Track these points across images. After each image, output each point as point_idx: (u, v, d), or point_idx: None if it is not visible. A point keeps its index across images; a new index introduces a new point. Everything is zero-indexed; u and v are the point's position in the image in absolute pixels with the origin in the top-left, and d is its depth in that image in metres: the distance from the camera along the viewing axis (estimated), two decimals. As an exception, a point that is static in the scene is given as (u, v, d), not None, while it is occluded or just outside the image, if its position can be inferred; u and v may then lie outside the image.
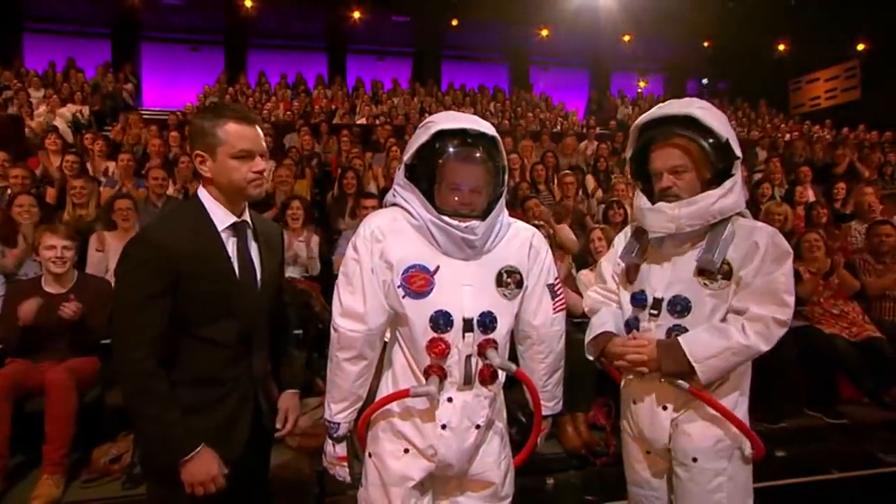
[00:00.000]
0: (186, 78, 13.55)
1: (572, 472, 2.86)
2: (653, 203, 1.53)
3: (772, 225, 4.85)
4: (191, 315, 1.39)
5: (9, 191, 4.24)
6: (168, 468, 1.40)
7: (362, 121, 9.94)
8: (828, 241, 4.13)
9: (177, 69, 14.04)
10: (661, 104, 1.57)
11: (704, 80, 16.78)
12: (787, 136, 10.53)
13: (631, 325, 1.61)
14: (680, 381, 1.45)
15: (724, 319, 1.49)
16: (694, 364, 1.42)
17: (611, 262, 1.74)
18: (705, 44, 15.56)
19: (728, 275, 1.47)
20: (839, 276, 3.73)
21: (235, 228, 1.48)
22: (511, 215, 1.56)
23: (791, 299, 1.44)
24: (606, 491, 2.64)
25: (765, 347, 1.42)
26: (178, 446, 1.37)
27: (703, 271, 1.49)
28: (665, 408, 1.53)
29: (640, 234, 1.64)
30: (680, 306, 1.50)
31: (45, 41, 13.06)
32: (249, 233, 1.52)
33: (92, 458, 2.60)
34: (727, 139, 1.47)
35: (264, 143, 1.48)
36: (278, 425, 1.62)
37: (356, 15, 13.62)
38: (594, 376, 2.97)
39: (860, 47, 12.93)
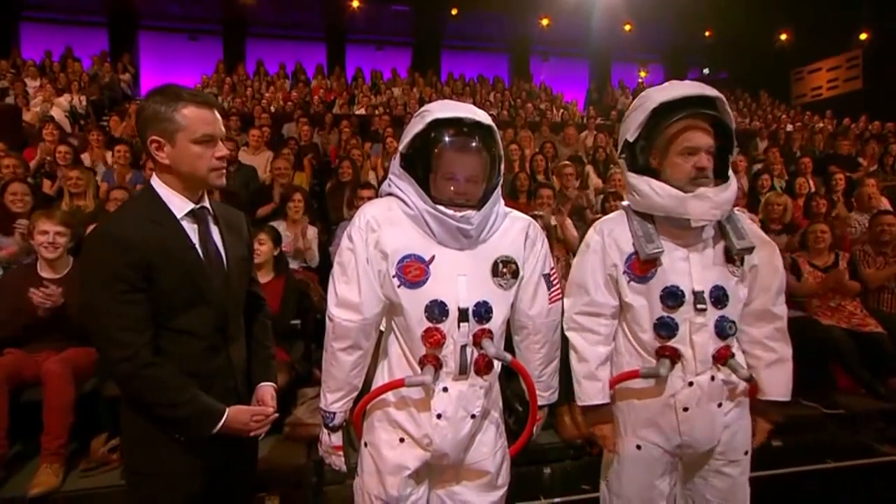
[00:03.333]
0: (185, 68, 13.48)
1: (569, 462, 2.87)
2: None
3: (771, 216, 4.82)
4: (162, 307, 1.34)
5: (3, 180, 4.22)
6: (144, 461, 1.39)
7: (361, 111, 9.89)
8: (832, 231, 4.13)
9: (175, 59, 13.98)
10: (680, 83, 1.47)
11: (705, 70, 16.69)
12: (789, 127, 10.49)
13: (669, 324, 1.46)
14: (742, 371, 1.47)
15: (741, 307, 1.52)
16: (787, 398, 1.56)
17: (599, 268, 1.55)
18: (706, 33, 15.44)
19: (742, 260, 1.49)
20: (842, 286, 3.68)
21: (195, 215, 1.42)
22: (513, 205, 1.55)
23: None
24: (603, 480, 2.65)
25: None
26: (205, 421, 1.36)
27: (728, 258, 1.48)
28: (720, 405, 1.50)
29: (646, 222, 1.50)
30: (722, 296, 1.46)
31: (42, 30, 12.98)
32: (210, 219, 1.46)
33: (91, 448, 2.61)
34: (733, 128, 1.49)
35: (223, 128, 1.43)
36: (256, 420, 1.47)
37: (355, 4, 13.51)
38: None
39: (863, 37, 12.85)
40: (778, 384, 1.54)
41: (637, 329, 1.53)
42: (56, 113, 7.68)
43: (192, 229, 1.41)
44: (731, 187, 1.47)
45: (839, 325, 3.55)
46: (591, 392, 1.56)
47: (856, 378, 3.45)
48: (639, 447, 1.55)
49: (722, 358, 1.47)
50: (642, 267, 1.49)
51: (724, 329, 1.46)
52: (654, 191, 1.45)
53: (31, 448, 2.58)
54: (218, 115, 1.40)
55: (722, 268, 1.48)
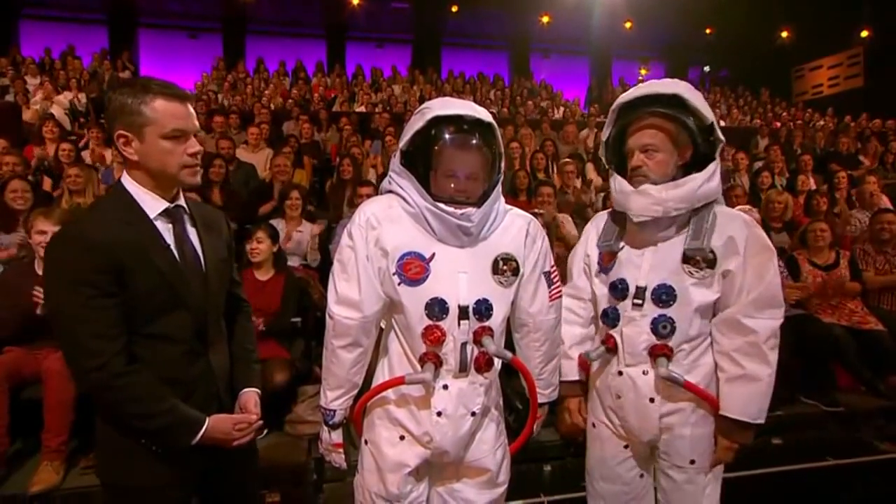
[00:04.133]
0: (185, 65, 13.45)
1: (569, 460, 2.87)
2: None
3: (772, 213, 4.81)
4: (137, 312, 1.26)
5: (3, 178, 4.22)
6: (122, 475, 1.33)
7: (361, 108, 9.89)
8: (833, 229, 4.13)
9: (175, 56, 13.94)
10: (643, 84, 1.51)
11: (706, 68, 16.67)
12: (791, 125, 10.47)
13: (609, 315, 1.54)
14: (675, 376, 1.42)
15: (704, 311, 1.45)
16: (758, 421, 1.42)
17: (580, 254, 1.68)
18: (707, 31, 15.41)
19: (712, 263, 1.43)
20: (843, 290, 3.68)
21: (170, 214, 1.34)
22: (514, 203, 1.55)
23: (781, 295, 1.44)
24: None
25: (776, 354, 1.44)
26: (183, 431, 1.30)
27: (689, 259, 1.44)
28: (652, 400, 1.49)
29: (617, 219, 1.58)
30: (665, 295, 1.44)
31: (42, 28, 12.97)
32: (186, 218, 1.39)
33: (91, 445, 2.61)
34: (712, 121, 1.44)
35: (197, 122, 1.35)
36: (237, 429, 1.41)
37: (355, 1, 13.48)
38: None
39: (864, 34, 12.81)
40: (736, 401, 1.42)
41: (598, 316, 1.62)
42: (56, 111, 7.67)
43: (166, 229, 1.34)
44: (687, 185, 1.41)
45: (839, 322, 3.55)
46: (565, 369, 1.66)
47: (856, 376, 3.46)
48: (594, 425, 1.65)
49: (653, 355, 1.46)
50: (607, 258, 1.58)
51: (657, 327, 1.45)
52: (613, 187, 1.54)
53: (32, 446, 2.58)
54: (191, 109, 1.32)
55: (676, 267, 1.45)
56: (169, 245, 1.33)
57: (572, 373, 1.66)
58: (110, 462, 1.36)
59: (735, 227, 1.45)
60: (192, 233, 1.40)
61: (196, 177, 1.36)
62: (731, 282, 1.43)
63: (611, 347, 1.54)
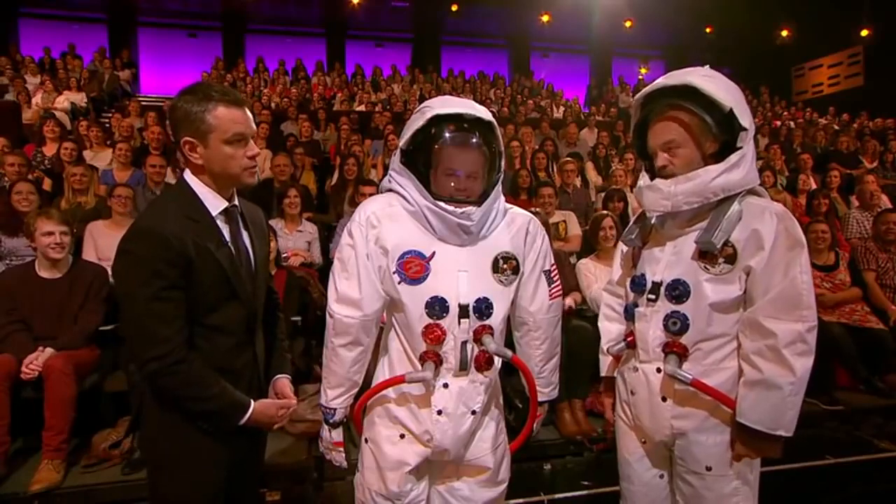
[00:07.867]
0: (184, 64, 13.49)
1: (569, 458, 2.88)
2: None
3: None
4: (199, 303, 1.35)
5: (6, 178, 4.22)
6: (168, 453, 1.39)
7: (361, 108, 9.88)
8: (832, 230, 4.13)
9: (174, 55, 13.98)
10: (664, 75, 1.45)
11: (706, 66, 16.63)
12: (791, 124, 10.46)
13: (628, 310, 1.52)
14: (682, 374, 1.36)
15: (724, 309, 1.36)
16: (780, 433, 1.29)
17: (619, 251, 1.67)
18: (707, 29, 15.40)
19: (732, 259, 1.33)
20: (844, 294, 3.70)
21: (228, 213, 1.43)
22: (514, 203, 1.55)
23: (813, 297, 1.31)
24: (603, 477, 2.66)
25: (811, 362, 1.29)
26: (232, 413, 1.38)
27: (703, 254, 1.36)
28: (664, 399, 1.43)
29: (643, 215, 1.54)
30: (679, 291, 1.38)
31: (41, 27, 12.98)
32: (240, 218, 1.48)
33: (92, 444, 2.62)
34: (731, 108, 1.33)
35: (254, 125, 1.44)
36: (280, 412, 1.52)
37: (355, 0, 13.48)
38: (592, 363, 2.97)
39: (864, 33, 12.81)
40: (751, 407, 1.30)
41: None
42: (56, 110, 7.67)
43: (224, 228, 1.42)
44: (699, 177, 1.34)
45: (840, 321, 3.56)
46: (603, 364, 1.67)
47: (854, 375, 3.47)
48: (614, 420, 1.65)
49: (666, 353, 1.41)
50: (635, 255, 1.56)
51: (667, 324, 1.40)
52: (637, 182, 1.51)
53: (33, 444, 2.58)
54: (249, 114, 1.41)
55: (693, 262, 1.38)
56: (227, 242, 1.42)
57: (605, 369, 1.66)
58: (156, 441, 1.43)
59: (762, 220, 1.33)
60: (244, 232, 1.49)
61: (254, 177, 1.45)
62: (753, 279, 1.33)
63: (631, 343, 1.52)
